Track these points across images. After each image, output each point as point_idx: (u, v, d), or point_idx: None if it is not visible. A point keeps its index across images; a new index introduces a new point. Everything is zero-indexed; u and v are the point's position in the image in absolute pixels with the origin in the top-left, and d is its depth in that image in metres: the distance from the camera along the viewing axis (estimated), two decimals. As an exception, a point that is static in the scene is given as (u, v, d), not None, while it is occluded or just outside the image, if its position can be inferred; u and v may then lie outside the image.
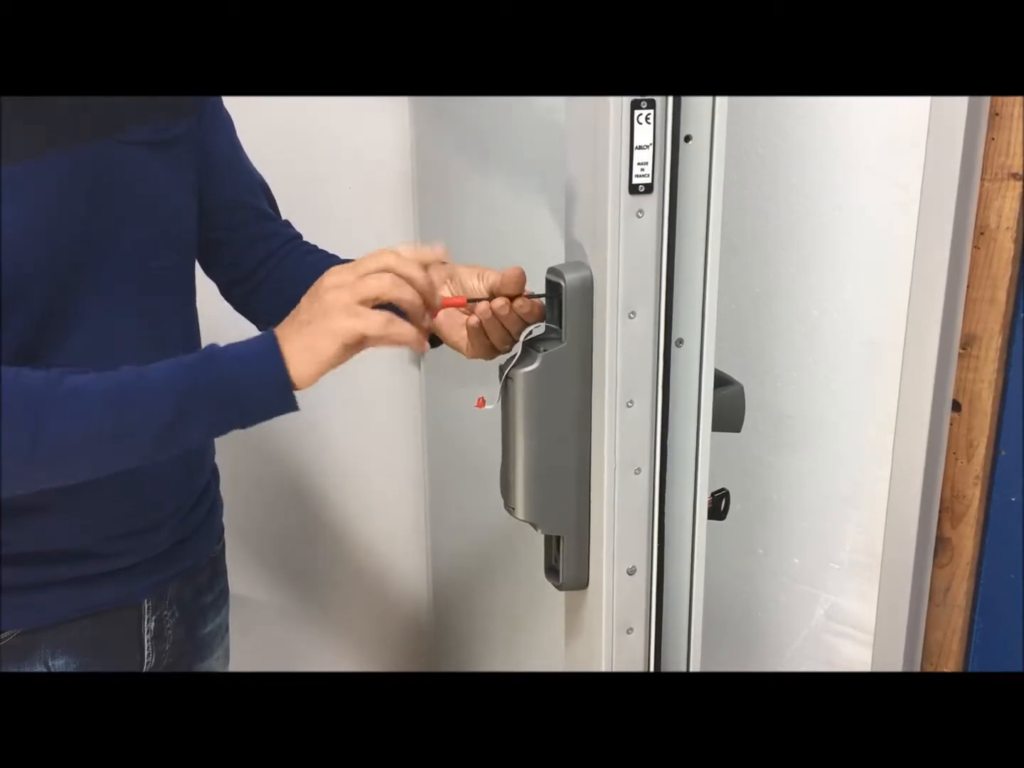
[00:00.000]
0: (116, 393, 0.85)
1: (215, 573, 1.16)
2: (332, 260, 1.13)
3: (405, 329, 0.86)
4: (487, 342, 0.95)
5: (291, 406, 0.88)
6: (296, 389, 0.87)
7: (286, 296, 1.10)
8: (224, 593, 1.19)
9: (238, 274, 1.13)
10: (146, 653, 1.05)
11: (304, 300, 0.88)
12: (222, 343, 0.90)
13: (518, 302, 0.92)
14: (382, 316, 0.85)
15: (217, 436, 0.90)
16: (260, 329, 1.13)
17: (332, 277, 0.87)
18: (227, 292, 1.16)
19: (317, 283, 0.88)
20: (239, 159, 1.13)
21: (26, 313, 0.89)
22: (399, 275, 0.86)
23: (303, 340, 0.86)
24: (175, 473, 1.04)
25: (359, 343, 0.86)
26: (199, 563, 1.11)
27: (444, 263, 1.03)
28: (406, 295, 0.86)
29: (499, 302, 0.92)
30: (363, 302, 0.85)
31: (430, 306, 0.89)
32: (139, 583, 1.03)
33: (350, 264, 0.89)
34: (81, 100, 0.89)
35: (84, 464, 0.87)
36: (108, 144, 0.92)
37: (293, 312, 0.89)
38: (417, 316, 0.88)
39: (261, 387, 0.86)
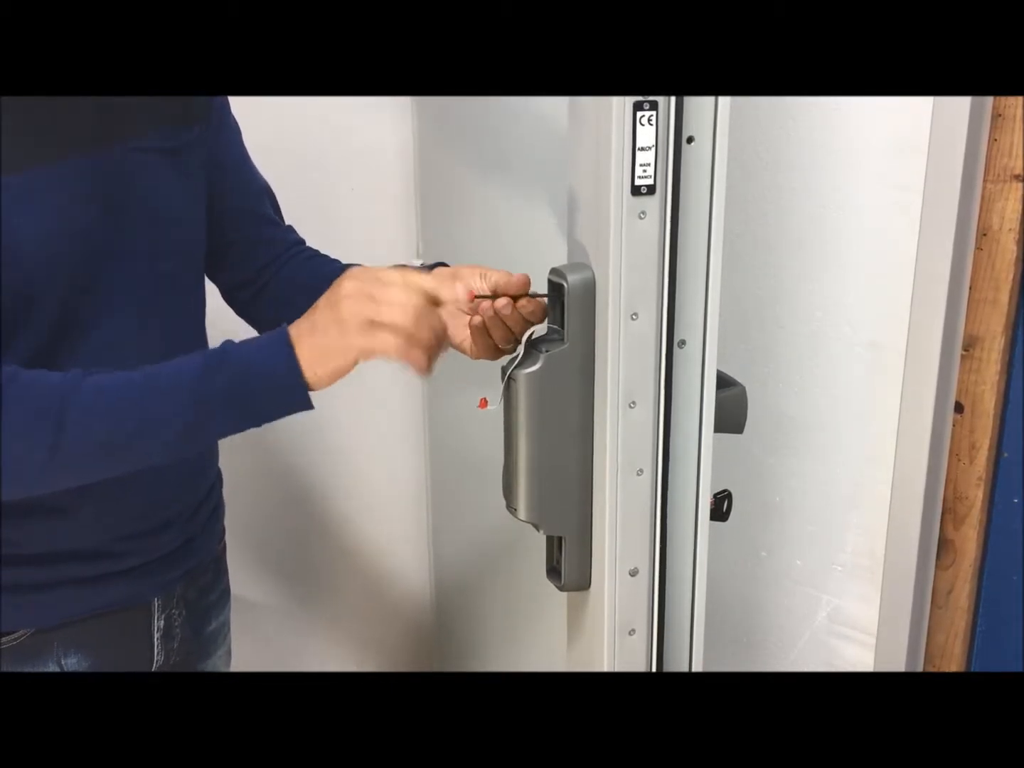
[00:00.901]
0: (135, 392, 0.86)
1: (218, 573, 1.17)
2: (334, 265, 1.14)
3: (416, 357, 0.87)
4: (490, 342, 0.95)
5: (305, 404, 0.88)
6: (310, 389, 0.88)
7: (288, 301, 1.11)
8: (226, 592, 1.20)
9: (241, 279, 1.14)
10: (156, 651, 1.06)
11: (322, 302, 0.88)
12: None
13: (522, 302, 0.92)
14: (397, 341, 0.86)
15: (234, 433, 0.90)
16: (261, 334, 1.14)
17: (351, 284, 0.87)
18: (229, 296, 1.16)
19: (336, 286, 0.88)
20: (246, 165, 1.14)
21: (43, 316, 0.89)
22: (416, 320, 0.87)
23: (318, 345, 0.87)
24: (184, 473, 1.05)
25: (370, 359, 0.87)
26: (204, 562, 1.12)
27: (446, 264, 1.04)
28: (422, 336, 0.87)
29: (502, 301, 0.92)
30: (379, 323, 0.86)
31: (440, 346, 0.91)
32: (149, 582, 1.04)
33: (372, 274, 0.89)
34: (94, 107, 0.89)
35: (103, 464, 0.88)
36: (120, 150, 0.92)
37: (309, 313, 0.89)
38: (428, 352, 0.89)
39: (275, 384, 0.87)
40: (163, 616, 1.06)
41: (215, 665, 1.17)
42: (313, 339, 0.87)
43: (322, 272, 1.12)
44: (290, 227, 1.17)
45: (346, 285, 0.87)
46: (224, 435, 0.91)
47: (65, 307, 0.90)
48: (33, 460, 0.83)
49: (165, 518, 1.04)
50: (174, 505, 1.05)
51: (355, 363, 0.87)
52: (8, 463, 0.82)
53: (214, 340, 1.09)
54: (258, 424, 0.89)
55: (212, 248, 1.09)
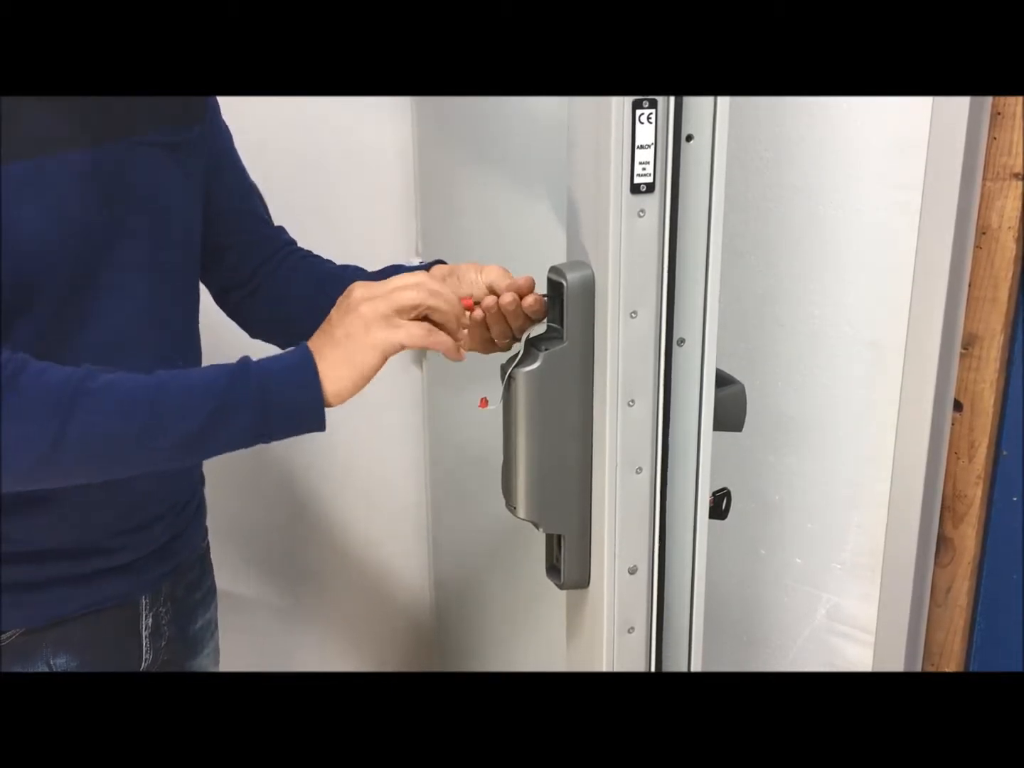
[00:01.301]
0: (148, 394, 0.85)
1: (203, 570, 1.18)
2: (328, 265, 1.14)
3: (443, 338, 0.88)
4: (487, 336, 0.96)
5: (320, 425, 0.88)
6: (329, 406, 0.87)
7: (281, 301, 1.12)
8: (212, 590, 1.20)
9: (234, 280, 1.14)
10: (144, 650, 1.06)
11: (335, 314, 0.89)
12: (220, 347, 0.90)
13: (527, 300, 0.92)
14: (421, 327, 0.87)
15: (240, 448, 0.89)
16: (251, 335, 1.14)
17: (362, 290, 0.88)
18: (221, 298, 1.16)
19: (346, 296, 0.88)
20: (239, 166, 1.14)
21: (45, 305, 0.89)
22: (431, 289, 0.88)
23: (342, 354, 0.86)
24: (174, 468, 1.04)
25: (396, 352, 0.87)
26: (189, 559, 1.13)
27: (444, 262, 1.04)
28: (441, 304, 0.87)
29: (507, 297, 0.92)
30: (399, 313, 0.86)
31: (460, 319, 0.90)
32: (138, 579, 1.04)
33: (378, 281, 0.90)
34: (95, 104, 0.89)
35: (100, 464, 0.86)
36: (125, 144, 0.92)
37: (324, 326, 0.89)
38: (452, 327, 0.89)
39: (294, 403, 0.87)
40: (151, 614, 1.06)
41: (203, 664, 1.17)
42: (338, 349, 0.86)
43: (318, 271, 1.13)
44: (281, 227, 1.18)
45: (358, 291, 0.88)
46: (229, 448, 0.89)
47: (69, 295, 0.90)
48: (34, 451, 0.81)
49: (156, 512, 1.04)
50: (165, 500, 1.05)
51: (382, 361, 0.86)
52: (7, 451, 0.80)
53: (208, 339, 1.09)
54: (267, 441, 0.88)
55: (208, 248, 1.08)
